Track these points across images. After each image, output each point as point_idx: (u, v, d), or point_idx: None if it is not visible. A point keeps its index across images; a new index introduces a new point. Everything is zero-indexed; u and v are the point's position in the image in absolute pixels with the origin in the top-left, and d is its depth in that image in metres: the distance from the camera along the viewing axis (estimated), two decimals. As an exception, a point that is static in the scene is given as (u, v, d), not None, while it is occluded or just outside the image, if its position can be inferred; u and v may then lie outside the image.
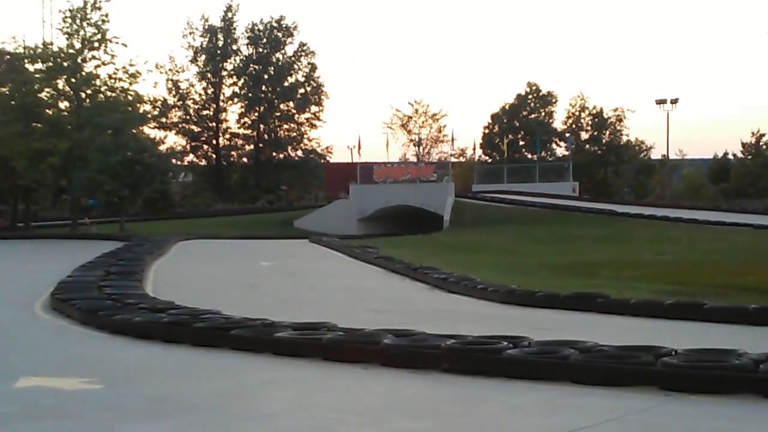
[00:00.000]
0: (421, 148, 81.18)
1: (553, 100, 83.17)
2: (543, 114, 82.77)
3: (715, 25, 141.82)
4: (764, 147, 76.95)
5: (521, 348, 8.56)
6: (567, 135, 77.77)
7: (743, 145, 78.06)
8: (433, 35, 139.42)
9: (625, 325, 12.59)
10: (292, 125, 74.30)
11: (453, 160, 75.91)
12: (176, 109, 72.62)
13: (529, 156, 78.48)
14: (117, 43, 44.72)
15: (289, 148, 74.10)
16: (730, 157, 79.42)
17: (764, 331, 11.58)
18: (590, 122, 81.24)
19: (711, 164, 79.82)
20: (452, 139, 75.64)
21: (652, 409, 6.82)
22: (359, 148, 64.51)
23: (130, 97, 45.34)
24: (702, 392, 7.20)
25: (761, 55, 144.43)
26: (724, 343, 8.82)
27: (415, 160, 75.42)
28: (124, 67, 44.73)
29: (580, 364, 7.90)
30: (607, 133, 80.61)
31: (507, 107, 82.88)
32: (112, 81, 44.97)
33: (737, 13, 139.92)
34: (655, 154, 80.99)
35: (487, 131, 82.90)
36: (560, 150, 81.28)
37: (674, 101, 68.99)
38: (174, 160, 59.77)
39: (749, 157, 76.99)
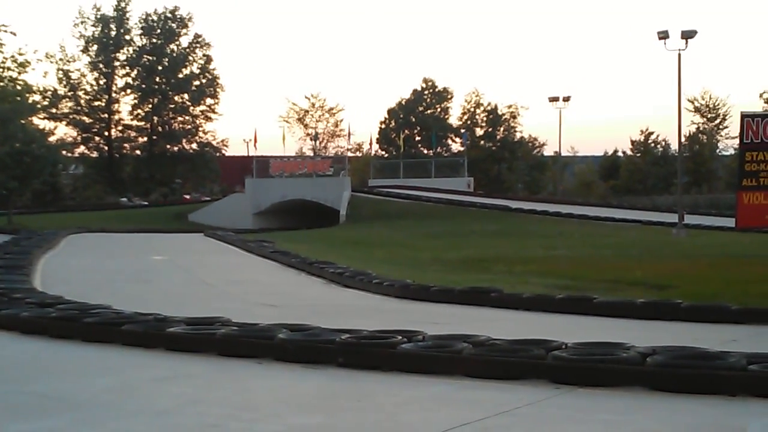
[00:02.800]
0: (317, 142, 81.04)
1: (449, 96, 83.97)
2: (438, 110, 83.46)
3: (608, 25, 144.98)
4: (652, 145, 79.04)
5: (415, 342, 8.61)
6: (462, 131, 78.60)
7: (633, 143, 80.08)
8: (330, 30, 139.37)
9: (517, 319, 12.76)
10: (187, 117, 73.36)
11: (349, 154, 76.07)
12: (67, 99, 70.87)
13: (425, 151, 79.13)
14: (5, 31, 43.48)
15: (184, 140, 73.17)
16: (620, 154, 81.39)
17: (651, 325, 11.87)
18: (485, 119, 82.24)
19: (602, 161, 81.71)
20: (349, 134, 75.96)
21: (542, 401, 6.93)
22: (255, 141, 64.17)
23: (18, 87, 44.09)
24: (591, 385, 7.33)
25: (650, 55, 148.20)
26: (612, 337, 9.00)
27: (312, 154, 75.30)
28: (12, 57, 43.49)
29: (474, 357, 7.98)
30: (502, 129, 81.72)
31: (403, 102, 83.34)
32: (0, 70, 43.70)
33: (629, 15, 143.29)
34: (548, 151, 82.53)
35: (383, 126, 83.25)
36: (456, 146, 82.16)
37: (566, 99, 70.22)
38: (64, 152, 58.47)
39: (638, 154, 79.01)
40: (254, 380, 8.04)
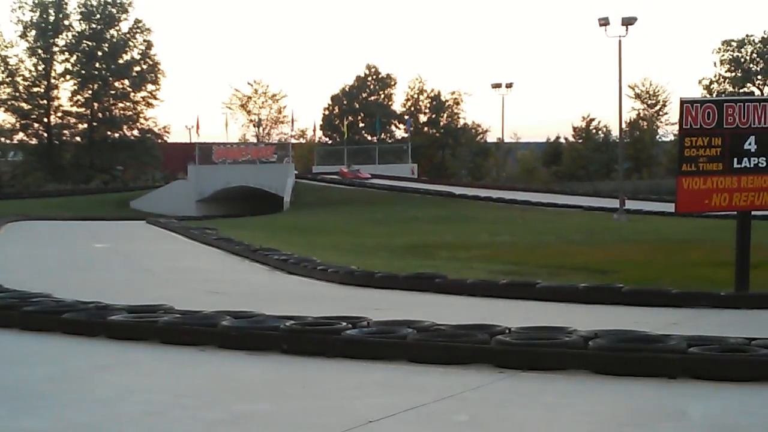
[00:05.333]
0: (261, 128, 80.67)
1: (392, 83, 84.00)
2: (382, 96, 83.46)
3: (550, 12, 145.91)
4: (594, 131, 79.83)
5: (360, 328, 8.60)
6: (406, 117, 78.72)
7: (575, 129, 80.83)
8: (273, 16, 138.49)
9: (461, 304, 12.80)
10: (128, 104, 72.44)
11: (293, 141, 75.74)
12: (5, 85, 69.58)
13: (369, 138, 79.08)
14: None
15: (125, 127, 72.24)
16: (563, 141, 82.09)
17: (593, 309, 11.99)
18: (428, 105, 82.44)
19: (544, 148, 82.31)
20: (292, 120, 75.52)
21: (486, 386, 6.96)
22: (198, 128, 63.63)
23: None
24: (534, 369, 7.39)
25: (591, 42, 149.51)
26: (555, 321, 9.08)
27: (255, 140, 74.85)
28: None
29: (418, 343, 7.99)
30: (445, 116, 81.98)
31: (347, 89, 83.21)
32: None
33: (571, 1, 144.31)
34: (491, 138, 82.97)
35: (327, 113, 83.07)
36: (399, 132, 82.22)
37: (509, 86, 70.67)
38: (2, 139, 57.45)
39: (580, 141, 79.77)
40: (197, 368, 7.98)
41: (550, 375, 7.28)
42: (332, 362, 7.96)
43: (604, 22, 43.48)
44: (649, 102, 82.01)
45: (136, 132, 72.62)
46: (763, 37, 78.71)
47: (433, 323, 8.84)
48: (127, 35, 72.32)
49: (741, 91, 75.07)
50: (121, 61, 71.70)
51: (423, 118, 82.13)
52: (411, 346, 7.99)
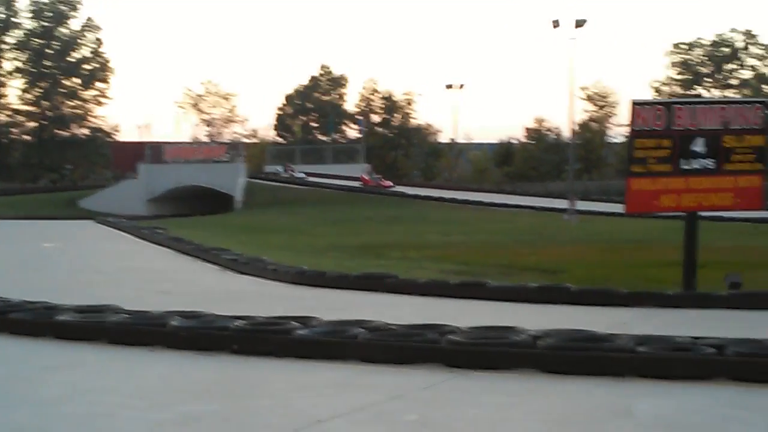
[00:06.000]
0: (213, 128, 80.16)
1: (346, 83, 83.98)
2: (335, 96, 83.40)
3: (502, 13, 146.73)
4: (545, 132, 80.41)
5: (311, 328, 8.58)
6: (359, 117, 78.70)
7: (526, 130, 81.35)
8: (226, 14, 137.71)
9: (413, 304, 12.81)
10: (78, 102, 71.68)
11: (245, 140, 75.41)
12: (-48, 83, 68.59)
13: (322, 138, 78.97)
14: None
15: (74, 125, 71.48)
16: (514, 141, 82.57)
17: (543, 309, 12.06)
18: (381, 105, 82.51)
19: (496, 148, 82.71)
20: (245, 120, 75.18)
21: (437, 385, 6.98)
22: (149, 127, 63.19)
23: None
24: (485, 368, 7.43)
25: (544, 43, 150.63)
26: (505, 321, 9.12)
27: (207, 140, 74.44)
28: None
29: (369, 342, 7.99)
30: (398, 116, 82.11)
31: (300, 89, 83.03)
32: None
33: (524, 2, 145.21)
34: (444, 138, 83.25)
35: (280, 112, 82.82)
36: (352, 132, 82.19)
37: (461, 86, 71.00)
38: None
39: (532, 142, 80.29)
40: (146, 368, 7.91)
41: (500, 374, 7.32)
42: (283, 362, 7.93)
43: (556, 24, 43.88)
44: (600, 104, 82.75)
45: (85, 131, 71.89)
46: (713, 41, 79.77)
47: (384, 323, 8.84)
48: (78, 33, 71.56)
49: (690, 93, 76.03)
50: (71, 59, 70.95)
51: (376, 119, 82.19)
52: (362, 345, 7.99)
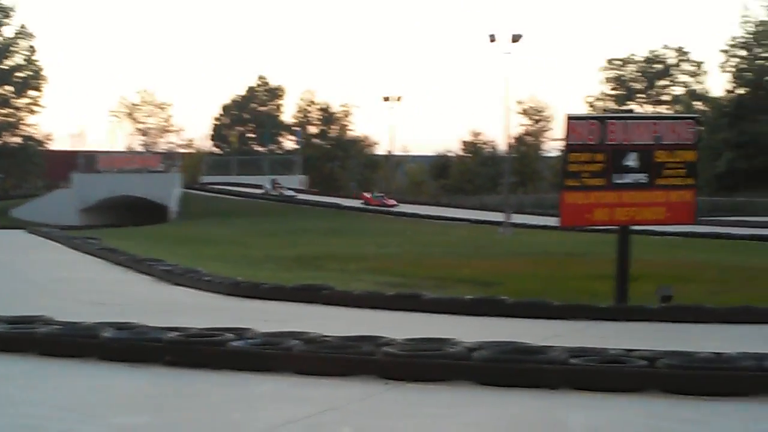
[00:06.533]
0: (148, 137, 79.37)
1: (283, 94, 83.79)
2: (272, 107, 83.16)
3: (440, 26, 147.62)
4: (481, 145, 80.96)
5: (245, 340, 8.51)
6: (296, 129, 78.51)
7: (463, 143, 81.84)
8: (161, 24, 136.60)
9: (348, 316, 12.80)
10: (10, 110, 70.52)
11: (181, 150, 74.79)
12: None
13: (259, 149, 78.62)
14: None
15: (6, 134, 70.30)
16: (451, 155, 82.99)
17: (478, 321, 12.12)
18: (319, 117, 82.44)
19: (432, 161, 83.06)
20: (180, 130, 74.55)
21: (371, 397, 6.97)
22: (83, 136, 62.39)
23: None
24: (420, 380, 7.43)
25: (480, 57, 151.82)
26: (440, 333, 9.14)
27: (142, 150, 73.69)
28: None
29: (304, 354, 7.96)
30: (335, 128, 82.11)
31: (237, 99, 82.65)
32: None
33: (461, 16, 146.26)
34: (381, 150, 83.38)
35: (217, 123, 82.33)
36: (289, 143, 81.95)
37: (398, 99, 71.16)
38: None
39: (468, 155, 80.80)
40: (77, 380, 7.79)
41: (435, 386, 7.33)
42: (217, 374, 7.86)
43: (493, 38, 44.26)
44: (535, 118, 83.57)
45: (18, 139, 70.76)
46: (646, 57, 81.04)
47: (320, 335, 8.81)
48: (11, 40, 70.44)
49: (623, 108, 77.11)
50: (3, 67, 69.80)
51: (313, 130, 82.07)
52: (297, 357, 7.95)
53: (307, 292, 14.56)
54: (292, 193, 54.96)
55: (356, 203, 52.14)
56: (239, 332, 8.82)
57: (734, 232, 35.13)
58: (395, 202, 51.60)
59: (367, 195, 53.30)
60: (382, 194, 54.25)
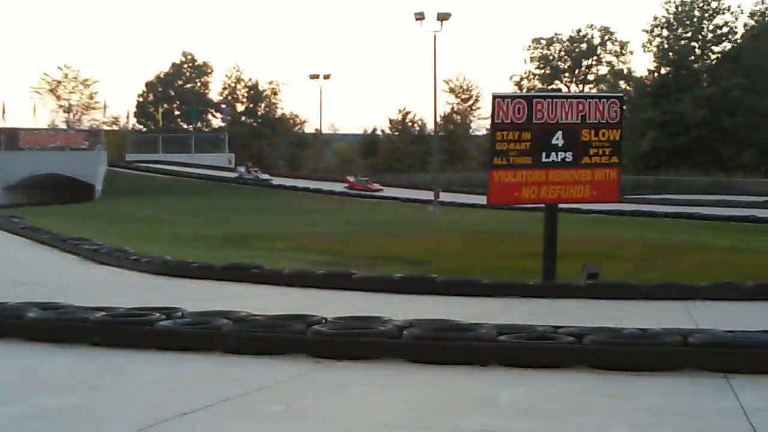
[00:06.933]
0: (71, 115, 78.00)
1: (209, 71, 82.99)
2: (199, 84, 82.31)
3: (368, 4, 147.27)
4: (410, 124, 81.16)
5: (174, 319, 8.45)
6: (223, 106, 77.86)
7: (391, 122, 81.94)
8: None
9: (278, 294, 12.78)
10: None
11: (106, 128, 73.69)
12: None
13: (185, 126, 77.82)
14: None
15: None
16: (379, 133, 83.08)
17: (408, 299, 12.19)
18: (246, 94, 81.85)
19: (361, 139, 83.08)
20: (105, 107, 73.43)
21: (301, 375, 6.97)
22: (3, 113, 61.00)
23: None
24: (351, 358, 7.45)
25: (408, 36, 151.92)
26: (371, 311, 9.17)
27: (65, 127, 72.39)
28: None
29: (233, 333, 7.92)
30: (263, 105, 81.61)
31: (162, 76, 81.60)
32: None
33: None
34: (309, 128, 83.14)
35: (141, 100, 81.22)
36: (216, 121, 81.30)
37: (327, 77, 70.93)
38: None
39: (396, 133, 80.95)
40: (2, 361, 7.65)
41: (366, 364, 7.35)
42: (146, 354, 7.79)
43: (420, 16, 44.30)
44: (463, 96, 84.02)
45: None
46: (570, 36, 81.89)
47: (249, 314, 8.78)
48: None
49: (549, 87, 77.88)
50: None
51: (240, 108, 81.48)
52: (226, 336, 7.91)
53: (236, 271, 14.51)
54: (267, 176, 53.91)
55: (286, 182, 51.92)
56: (168, 312, 8.75)
57: (658, 209, 35.78)
58: (380, 187, 50.09)
59: (351, 179, 51.64)
60: (366, 179, 52.71)
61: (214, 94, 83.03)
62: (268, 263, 15.53)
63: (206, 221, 30.77)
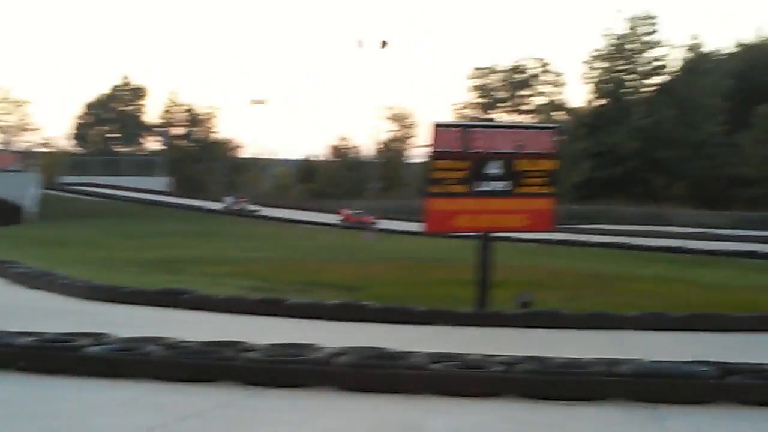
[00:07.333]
0: (3, 136, 76.76)
1: (146, 94, 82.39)
2: (136, 107, 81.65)
3: (307, 30, 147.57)
4: (348, 151, 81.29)
5: (103, 345, 8.31)
6: (160, 130, 77.27)
7: (329, 148, 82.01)
8: (19, 19, 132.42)
9: (211, 321, 12.67)
10: None
11: (40, 150, 72.62)
12: None
13: (121, 149, 77.05)
14: None
15: None
16: (317, 159, 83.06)
17: (341, 326, 12.16)
18: (184, 118, 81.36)
19: (299, 165, 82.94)
20: (39, 129, 72.42)
21: (233, 404, 6.91)
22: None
23: None
24: (282, 386, 7.40)
25: (349, 62, 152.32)
26: (304, 338, 9.12)
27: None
28: None
29: (163, 360, 7.82)
30: (200, 130, 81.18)
31: (99, 98, 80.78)
32: None
33: (331, 21, 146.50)
34: (247, 153, 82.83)
35: (78, 122, 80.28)
36: (153, 145, 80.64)
37: (265, 102, 70.97)
38: None
39: (335, 160, 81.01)
40: (-77, 388, 7.47)
41: (297, 392, 7.31)
42: (73, 380, 7.66)
43: (361, 44, 44.55)
44: (402, 124, 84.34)
45: None
46: (510, 67, 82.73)
47: (180, 340, 8.68)
48: None
49: (487, 117, 78.52)
50: None
51: (178, 131, 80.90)
52: (156, 363, 7.81)
53: (168, 296, 14.34)
54: (255, 207, 51.71)
55: (219, 205, 51.58)
56: (96, 337, 8.62)
57: (591, 239, 36.19)
58: (375, 220, 46.20)
59: (346, 212, 48.76)
60: (361, 211, 49.14)
61: (151, 117, 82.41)
62: (200, 289, 15.39)
63: (140, 245, 30.41)
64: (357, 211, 48.38)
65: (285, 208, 53.53)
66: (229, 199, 52.55)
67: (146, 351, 8.00)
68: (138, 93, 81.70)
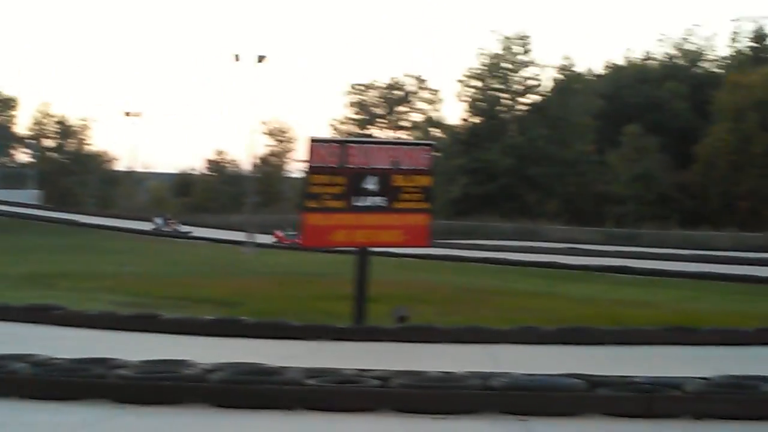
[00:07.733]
0: None
1: (15, 105, 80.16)
2: (5, 118, 79.34)
3: (184, 42, 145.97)
4: (226, 165, 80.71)
5: (-33, 363, 8.03)
6: (30, 141, 75.26)
7: (207, 162, 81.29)
8: None
9: (82, 337, 12.35)
10: None
11: None
12: None
13: (-11, 160, 74.79)
14: None
15: None
16: (195, 172, 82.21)
17: (217, 342, 12.01)
18: (55, 130, 79.45)
19: (175, 179, 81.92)
20: None
21: (103, 422, 6.75)
22: None
23: None
24: (155, 403, 7.27)
25: (227, 76, 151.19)
26: (178, 354, 8.99)
27: None
28: None
29: (31, 378, 7.60)
30: (73, 142, 79.42)
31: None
32: None
33: (206, 33, 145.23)
34: (122, 166, 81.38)
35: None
36: (23, 156, 78.48)
37: (140, 114, 69.80)
38: None
39: (212, 174, 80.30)
40: None
41: (171, 409, 7.18)
42: (-67, 401, 7.36)
43: (237, 58, 44.24)
44: (280, 139, 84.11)
45: None
46: (388, 84, 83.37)
47: (49, 357, 8.45)
48: None
49: (365, 132, 78.93)
50: None
51: (49, 143, 78.89)
52: (24, 381, 7.58)
53: (37, 312, 13.91)
54: (187, 229, 49.44)
55: (95, 220, 50.49)
56: (-40, 356, 8.32)
57: (467, 254, 36.67)
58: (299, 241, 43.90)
59: (279, 233, 46.96)
60: (295, 233, 44.11)
61: (21, 128, 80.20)
62: (71, 304, 14.99)
63: (6, 260, 29.43)
64: (290, 233, 45.60)
65: (205, 227, 51.90)
66: (159, 221, 50.54)
67: (13, 369, 7.76)
68: (9, 104, 79.44)
